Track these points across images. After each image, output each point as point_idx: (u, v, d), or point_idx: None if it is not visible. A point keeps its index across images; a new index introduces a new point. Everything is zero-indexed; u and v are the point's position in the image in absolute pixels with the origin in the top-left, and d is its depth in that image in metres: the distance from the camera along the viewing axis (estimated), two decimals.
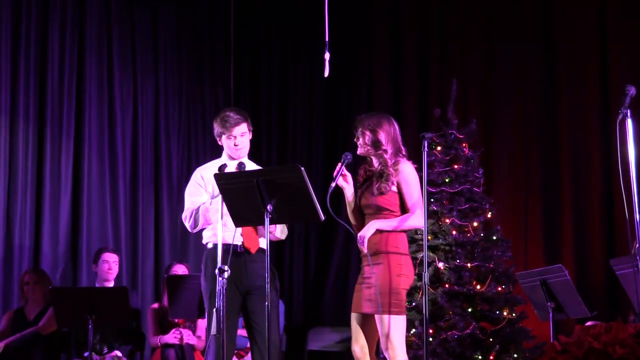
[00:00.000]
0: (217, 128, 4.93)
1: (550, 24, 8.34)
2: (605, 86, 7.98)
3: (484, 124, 8.20)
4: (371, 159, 4.78)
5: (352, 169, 4.97)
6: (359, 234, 4.66)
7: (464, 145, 7.23)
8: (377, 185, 4.67)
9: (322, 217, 4.40)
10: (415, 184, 4.67)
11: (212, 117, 8.66)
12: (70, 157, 7.72)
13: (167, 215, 8.24)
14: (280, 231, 4.97)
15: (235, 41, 8.86)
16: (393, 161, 4.69)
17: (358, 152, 4.79)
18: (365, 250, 4.62)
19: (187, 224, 4.91)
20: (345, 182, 4.75)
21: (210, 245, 4.87)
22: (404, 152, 4.75)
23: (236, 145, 4.89)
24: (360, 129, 4.74)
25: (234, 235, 4.66)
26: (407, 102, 8.79)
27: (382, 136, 4.68)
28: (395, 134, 4.73)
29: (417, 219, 4.63)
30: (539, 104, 8.32)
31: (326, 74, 5.44)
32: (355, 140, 4.79)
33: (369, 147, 4.72)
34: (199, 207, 4.83)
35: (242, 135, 4.91)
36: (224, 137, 4.90)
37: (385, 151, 4.68)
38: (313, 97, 9.15)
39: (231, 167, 4.83)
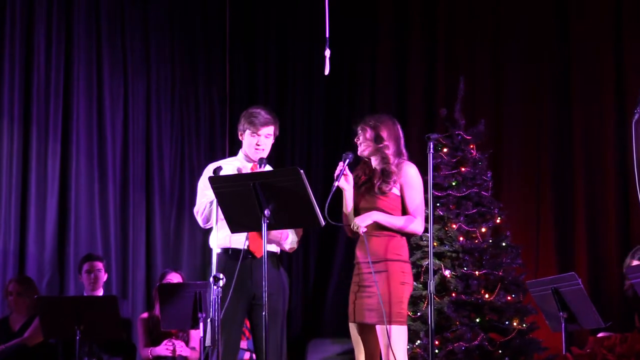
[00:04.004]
0: (242, 122, 4.94)
1: (564, 19, 8.35)
2: (621, 85, 7.98)
3: (492, 124, 8.20)
4: (370, 160, 4.80)
5: (354, 170, 4.97)
6: (355, 219, 4.67)
7: (471, 146, 7.23)
8: (378, 184, 4.68)
9: (323, 223, 4.41)
10: (418, 187, 4.68)
11: (206, 117, 8.71)
12: (57, 158, 7.72)
13: (158, 220, 8.24)
14: (289, 241, 4.93)
15: (230, 38, 8.87)
16: (395, 161, 4.70)
17: (359, 153, 4.80)
18: (360, 231, 4.62)
19: (200, 218, 4.91)
20: (347, 183, 4.76)
21: (218, 250, 4.87)
22: (405, 156, 4.76)
23: (258, 145, 4.89)
24: (360, 126, 4.76)
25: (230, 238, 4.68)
26: (411, 101, 8.80)
27: (384, 132, 4.71)
28: (397, 133, 4.76)
29: (418, 224, 4.64)
30: (551, 103, 8.32)
31: (326, 72, 5.44)
32: (355, 140, 4.80)
33: (369, 143, 4.73)
34: (212, 201, 4.83)
35: (267, 137, 4.92)
36: (247, 132, 4.91)
37: (387, 147, 4.69)
38: (313, 96, 9.15)
39: (247, 167, 4.87)
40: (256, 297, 4.78)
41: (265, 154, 4.94)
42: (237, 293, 4.70)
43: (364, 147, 4.77)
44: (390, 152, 4.70)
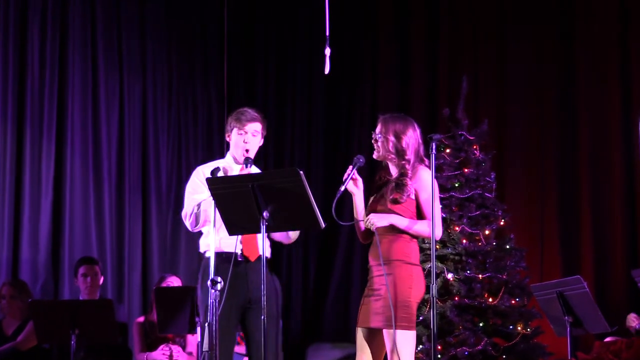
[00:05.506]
0: (230, 122, 4.95)
1: (569, 18, 8.35)
2: (627, 85, 7.99)
3: (496, 124, 8.21)
4: (387, 164, 4.78)
5: (366, 171, 4.96)
6: (369, 215, 4.66)
7: (474, 147, 7.23)
8: (392, 196, 4.67)
9: (323, 225, 4.40)
10: (434, 191, 4.66)
11: (204, 118, 8.69)
12: (52, 159, 7.71)
13: (155, 222, 8.23)
14: (293, 232, 4.94)
15: (229, 36, 8.86)
16: (411, 170, 4.69)
17: (374, 156, 4.78)
18: (373, 228, 4.62)
19: (188, 222, 4.91)
20: (356, 187, 4.75)
21: (208, 254, 4.87)
22: (426, 162, 4.74)
23: (245, 143, 4.89)
24: (383, 132, 4.73)
25: (235, 242, 4.69)
26: (413, 101, 8.80)
27: (407, 144, 4.69)
28: (418, 141, 4.74)
29: (436, 228, 4.63)
30: (555, 103, 8.33)
31: (327, 71, 5.45)
32: (372, 140, 4.78)
33: (392, 155, 4.71)
34: (200, 203, 4.83)
35: (254, 135, 4.92)
36: (235, 130, 4.92)
37: (408, 161, 4.68)
38: (313, 95, 9.15)
39: (236, 169, 4.87)
40: (252, 301, 4.79)
41: (252, 154, 4.93)
42: (230, 298, 4.69)
43: (382, 154, 4.75)
44: (409, 165, 4.68)
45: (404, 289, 4.58)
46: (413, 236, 4.68)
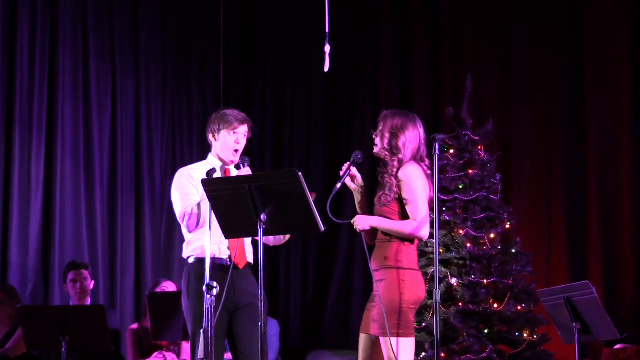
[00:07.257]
0: (216, 123, 4.91)
1: (576, 15, 8.35)
2: (637, 84, 7.99)
3: (501, 124, 8.21)
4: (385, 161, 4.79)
5: (368, 169, 4.96)
6: (354, 218, 4.70)
7: (479, 147, 7.23)
8: (378, 196, 4.70)
9: (322, 228, 4.39)
10: (418, 189, 4.65)
11: (199, 117, 8.68)
12: (42, 160, 7.71)
13: (148, 225, 8.23)
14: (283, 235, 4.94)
15: (225, 33, 8.86)
16: (400, 167, 4.69)
17: (374, 151, 4.79)
18: (358, 230, 4.67)
19: (186, 223, 4.85)
20: (353, 184, 4.75)
21: (192, 260, 4.87)
22: (427, 163, 4.74)
23: (237, 143, 4.89)
24: (380, 128, 4.74)
25: (230, 247, 4.69)
26: (416, 100, 8.79)
27: (402, 142, 4.69)
28: (418, 139, 4.73)
29: (420, 228, 4.62)
30: (562, 102, 8.33)
31: (326, 68, 5.45)
32: (373, 136, 4.79)
33: (386, 152, 4.72)
34: (200, 204, 4.80)
35: (243, 136, 4.92)
36: (223, 132, 4.89)
37: (401, 160, 4.68)
38: (312, 94, 9.15)
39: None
40: (239, 307, 4.79)
41: (238, 156, 4.92)
42: (218, 306, 4.67)
43: (378, 150, 4.77)
44: (399, 163, 4.67)
45: (395, 296, 4.58)
46: (404, 239, 4.67)
